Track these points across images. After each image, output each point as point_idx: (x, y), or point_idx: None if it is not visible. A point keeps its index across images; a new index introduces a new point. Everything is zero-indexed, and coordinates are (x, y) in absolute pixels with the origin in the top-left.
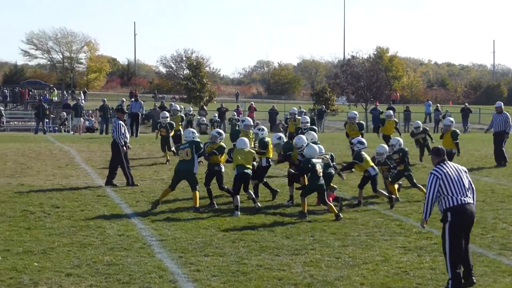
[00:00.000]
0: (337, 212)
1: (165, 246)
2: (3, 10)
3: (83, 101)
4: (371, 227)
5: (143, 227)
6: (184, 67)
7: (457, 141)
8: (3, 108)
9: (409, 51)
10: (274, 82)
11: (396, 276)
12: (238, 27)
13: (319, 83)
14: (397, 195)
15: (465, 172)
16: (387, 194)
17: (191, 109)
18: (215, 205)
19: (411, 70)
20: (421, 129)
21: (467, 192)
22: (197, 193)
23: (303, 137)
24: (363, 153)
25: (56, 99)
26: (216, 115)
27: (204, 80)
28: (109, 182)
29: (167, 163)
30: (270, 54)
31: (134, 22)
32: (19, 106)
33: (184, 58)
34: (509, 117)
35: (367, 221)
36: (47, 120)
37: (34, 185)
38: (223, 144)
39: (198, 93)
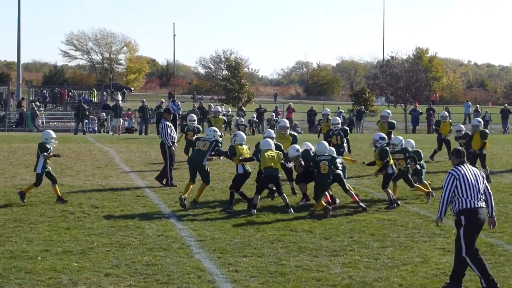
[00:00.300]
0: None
1: (203, 246)
2: (43, 11)
3: (120, 101)
4: (410, 228)
5: (182, 228)
6: (223, 68)
7: (485, 140)
8: (42, 109)
9: (448, 51)
10: (313, 83)
11: (435, 277)
12: (277, 28)
13: (358, 83)
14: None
15: (483, 177)
16: (392, 196)
17: (230, 110)
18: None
19: (451, 71)
20: (463, 133)
21: (481, 197)
22: (205, 187)
23: (296, 146)
24: (387, 148)
25: (95, 99)
26: (255, 116)
27: (242, 81)
28: (169, 183)
29: None
30: (309, 55)
31: (174, 23)
32: (58, 107)
33: (223, 59)
34: None
35: (406, 222)
36: (87, 121)
37: (74, 185)
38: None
39: (236, 94)
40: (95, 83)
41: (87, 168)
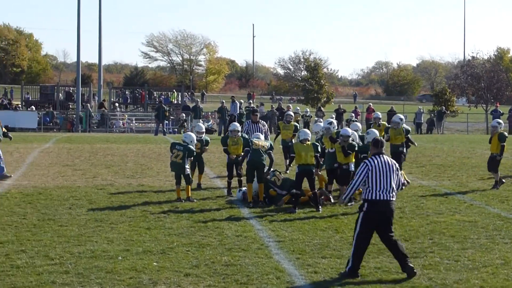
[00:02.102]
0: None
1: (282, 247)
2: (124, 13)
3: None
4: (491, 230)
5: (261, 228)
6: (302, 69)
7: (503, 143)
8: (124, 110)
9: None
10: (393, 83)
11: None
12: (356, 28)
13: (438, 84)
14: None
15: (397, 170)
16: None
17: (308, 110)
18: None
19: None
20: None
21: (391, 189)
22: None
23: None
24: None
25: (175, 101)
26: (334, 116)
27: (321, 81)
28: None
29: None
30: (389, 55)
31: (253, 24)
32: (139, 108)
33: (302, 60)
34: None
35: (487, 224)
36: (167, 122)
37: (154, 185)
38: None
39: (315, 95)
40: (175, 84)
41: (167, 169)
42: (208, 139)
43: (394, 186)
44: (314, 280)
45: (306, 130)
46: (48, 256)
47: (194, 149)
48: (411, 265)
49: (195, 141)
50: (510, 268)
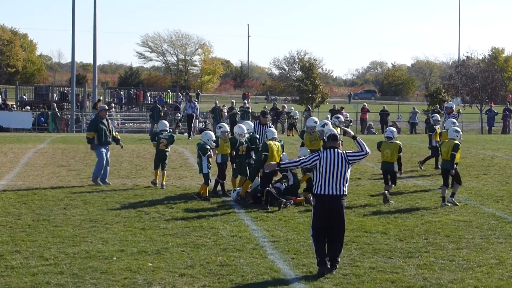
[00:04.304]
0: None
1: (277, 247)
2: (118, 13)
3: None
4: (485, 230)
5: (256, 228)
6: (297, 69)
7: None
8: (118, 110)
9: None
10: (388, 83)
11: (511, 279)
12: (351, 28)
13: (433, 84)
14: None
15: (347, 163)
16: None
17: (292, 108)
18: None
19: None
20: None
21: (339, 184)
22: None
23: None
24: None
25: (170, 101)
26: (329, 116)
27: (316, 81)
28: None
29: None
30: (383, 55)
31: (248, 24)
32: (134, 108)
33: (296, 60)
34: None
35: (482, 223)
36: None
37: (149, 186)
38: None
39: (310, 95)
40: (170, 84)
41: None
42: (174, 136)
43: (344, 181)
44: (308, 280)
45: (273, 129)
46: (42, 256)
47: (209, 147)
48: (329, 266)
49: (213, 139)
50: (504, 267)
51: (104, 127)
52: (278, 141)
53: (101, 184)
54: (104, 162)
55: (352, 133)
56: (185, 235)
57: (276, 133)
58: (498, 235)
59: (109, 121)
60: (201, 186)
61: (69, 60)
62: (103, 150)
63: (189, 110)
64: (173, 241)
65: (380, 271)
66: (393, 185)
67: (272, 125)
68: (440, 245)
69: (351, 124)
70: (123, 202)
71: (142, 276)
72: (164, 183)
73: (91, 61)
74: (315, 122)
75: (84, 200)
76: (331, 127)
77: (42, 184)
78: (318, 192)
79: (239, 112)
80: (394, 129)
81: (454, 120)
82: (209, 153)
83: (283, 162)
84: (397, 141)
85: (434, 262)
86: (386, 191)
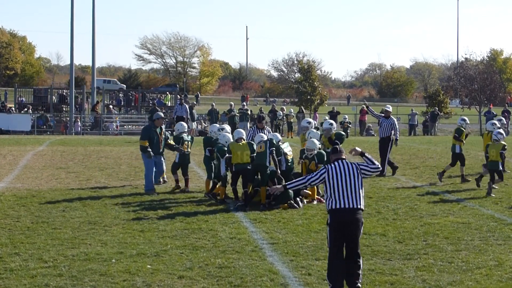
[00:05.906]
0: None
1: (276, 249)
2: (117, 15)
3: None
4: (484, 232)
5: (255, 230)
6: (295, 71)
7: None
8: (117, 112)
9: None
10: (386, 85)
11: (510, 281)
12: (350, 30)
13: (432, 85)
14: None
15: (358, 174)
16: None
17: (285, 109)
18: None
19: None
20: None
21: (354, 197)
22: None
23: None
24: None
25: (169, 103)
26: (327, 118)
27: (315, 83)
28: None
29: None
30: (382, 57)
31: (246, 26)
32: (133, 110)
33: (295, 62)
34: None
35: (481, 225)
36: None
37: None
38: None
39: (309, 97)
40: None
41: None
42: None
43: (359, 194)
44: (307, 282)
45: (241, 129)
46: (41, 259)
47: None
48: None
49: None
50: (503, 269)
51: (156, 136)
52: (246, 141)
53: (157, 194)
54: (152, 173)
55: (360, 149)
56: (184, 237)
57: (243, 134)
58: (497, 237)
59: (163, 130)
60: (217, 187)
61: (68, 62)
62: (152, 160)
63: (179, 112)
64: (172, 243)
65: (379, 273)
66: (500, 180)
67: (270, 129)
68: (439, 247)
69: (350, 126)
70: (122, 204)
71: (141, 278)
72: (162, 179)
73: (90, 63)
74: (308, 122)
75: (83, 203)
76: (335, 126)
77: (41, 186)
78: (331, 207)
79: (238, 114)
80: (501, 131)
81: (495, 122)
82: (227, 155)
83: (290, 184)
84: (502, 142)
85: (433, 264)
86: (493, 185)
